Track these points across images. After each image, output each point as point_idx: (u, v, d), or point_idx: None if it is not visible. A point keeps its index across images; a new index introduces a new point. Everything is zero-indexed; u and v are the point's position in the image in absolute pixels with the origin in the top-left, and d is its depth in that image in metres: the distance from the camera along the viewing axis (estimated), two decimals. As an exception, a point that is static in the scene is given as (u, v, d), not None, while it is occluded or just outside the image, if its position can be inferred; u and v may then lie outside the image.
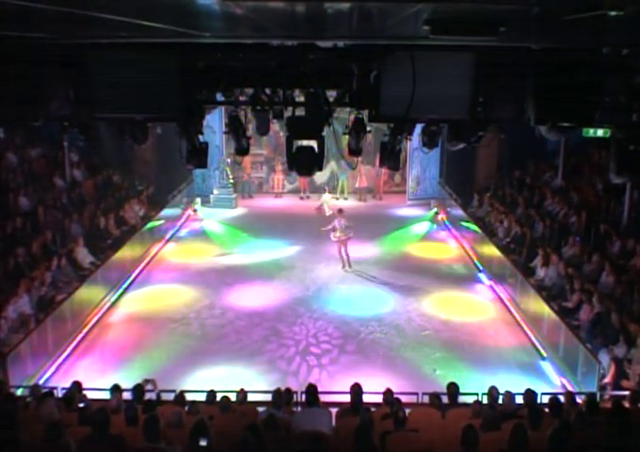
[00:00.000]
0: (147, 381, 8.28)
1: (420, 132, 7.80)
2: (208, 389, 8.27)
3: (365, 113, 6.61)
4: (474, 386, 9.21)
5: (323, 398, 7.86)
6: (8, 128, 14.28)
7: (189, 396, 8.15)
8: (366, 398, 7.67)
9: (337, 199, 22.35)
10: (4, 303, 10.76)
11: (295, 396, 8.50)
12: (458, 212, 18.98)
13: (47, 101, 6.08)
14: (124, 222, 16.38)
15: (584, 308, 11.27)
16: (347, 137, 7.53)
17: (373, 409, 7.44)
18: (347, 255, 15.81)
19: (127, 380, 8.63)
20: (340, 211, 16.35)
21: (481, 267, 16.09)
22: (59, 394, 8.33)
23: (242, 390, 8.09)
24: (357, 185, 22.73)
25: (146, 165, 19.78)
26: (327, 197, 20.70)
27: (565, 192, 15.96)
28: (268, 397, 7.66)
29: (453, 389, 7.95)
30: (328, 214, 18.25)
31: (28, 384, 9.50)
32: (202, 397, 8.11)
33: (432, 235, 19.29)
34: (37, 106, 6.09)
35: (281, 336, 12.32)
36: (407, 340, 12.22)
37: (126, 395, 7.77)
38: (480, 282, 15.48)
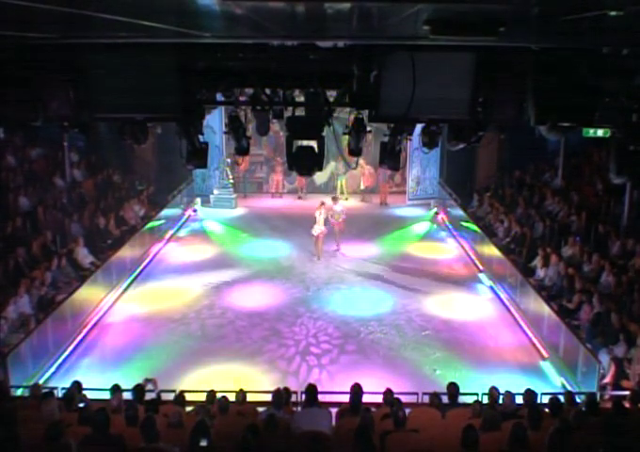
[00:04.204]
0: (147, 381, 8.27)
1: (420, 132, 7.79)
2: (208, 389, 8.27)
3: (365, 113, 6.60)
4: (474, 386, 9.21)
5: (323, 398, 7.87)
6: (8, 128, 14.29)
7: (189, 396, 8.16)
8: (366, 398, 7.65)
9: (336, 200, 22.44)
10: (4, 303, 10.76)
11: (295, 396, 8.51)
12: (458, 212, 18.98)
13: (47, 101, 6.07)
14: (124, 222, 16.38)
15: (584, 308, 11.27)
16: (347, 136, 7.53)
17: (373, 409, 7.44)
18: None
19: (127, 380, 8.63)
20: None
21: (481, 267, 16.09)
22: (59, 394, 8.33)
23: (241, 390, 8.09)
24: (362, 187, 22.74)
25: (146, 165, 19.80)
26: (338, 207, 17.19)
27: (565, 192, 15.96)
28: (268, 397, 7.66)
29: (453, 389, 7.95)
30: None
31: (28, 384, 9.50)
32: (202, 397, 8.10)
33: (432, 235, 19.29)
34: (37, 107, 6.08)
35: (281, 336, 12.32)
36: (407, 340, 12.22)
37: (126, 395, 7.76)
38: (480, 282, 15.48)
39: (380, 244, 17.83)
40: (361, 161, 21.25)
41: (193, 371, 10.80)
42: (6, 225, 13.03)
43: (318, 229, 16.32)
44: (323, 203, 16.73)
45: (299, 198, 22.72)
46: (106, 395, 7.82)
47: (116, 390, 7.76)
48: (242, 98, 7.44)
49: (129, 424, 6.41)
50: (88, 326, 12.60)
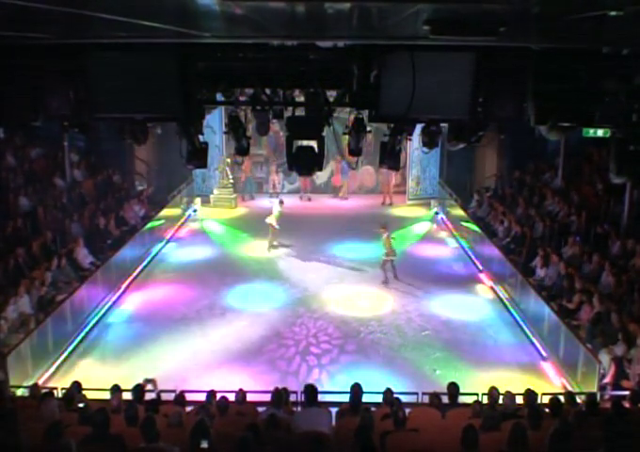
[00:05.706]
0: (147, 381, 8.27)
1: (420, 132, 7.79)
2: (208, 389, 8.26)
3: (365, 113, 6.61)
4: (474, 386, 9.21)
5: (323, 398, 7.86)
6: (8, 128, 14.30)
7: (189, 396, 8.15)
8: (366, 398, 7.66)
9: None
10: (4, 303, 10.77)
11: (295, 396, 8.51)
12: (458, 212, 18.98)
13: (47, 101, 6.07)
14: (124, 222, 16.38)
15: (585, 308, 11.27)
16: (347, 136, 7.53)
17: (373, 409, 7.44)
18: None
19: (127, 380, 8.63)
20: (384, 227, 15.41)
21: (481, 267, 16.09)
22: (59, 394, 8.33)
23: (241, 390, 8.09)
24: (326, 183, 22.83)
25: (146, 165, 19.80)
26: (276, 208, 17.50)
27: (565, 192, 15.96)
28: (268, 397, 7.66)
29: (453, 389, 7.95)
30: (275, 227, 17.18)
31: (28, 384, 9.50)
32: (202, 397, 8.10)
33: (432, 235, 19.29)
34: (37, 107, 6.09)
35: (281, 336, 12.32)
36: (407, 340, 12.22)
37: (126, 395, 7.76)
38: (480, 282, 15.48)
39: (380, 244, 17.77)
40: (331, 161, 21.38)
41: (193, 371, 10.80)
42: (6, 225, 13.04)
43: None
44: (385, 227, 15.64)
45: (301, 198, 22.59)
46: (106, 395, 7.82)
47: (116, 390, 7.76)
48: (242, 98, 7.45)
49: (129, 424, 6.41)
50: (89, 326, 12.60)
